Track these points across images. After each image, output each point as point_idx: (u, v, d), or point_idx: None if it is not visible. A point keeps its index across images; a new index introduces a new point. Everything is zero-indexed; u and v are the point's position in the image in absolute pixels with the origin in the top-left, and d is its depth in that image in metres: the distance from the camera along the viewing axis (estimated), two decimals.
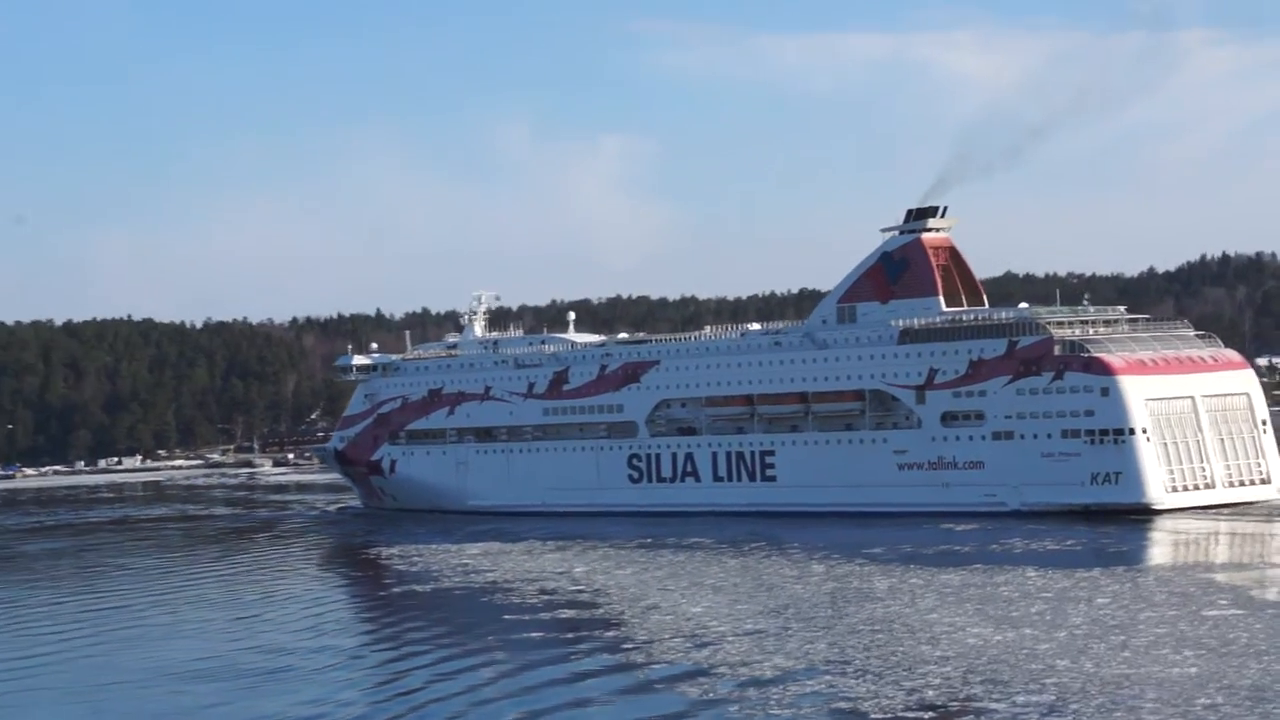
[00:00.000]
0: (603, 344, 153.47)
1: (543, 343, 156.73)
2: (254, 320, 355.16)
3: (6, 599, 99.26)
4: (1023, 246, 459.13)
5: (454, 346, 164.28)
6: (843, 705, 53.03)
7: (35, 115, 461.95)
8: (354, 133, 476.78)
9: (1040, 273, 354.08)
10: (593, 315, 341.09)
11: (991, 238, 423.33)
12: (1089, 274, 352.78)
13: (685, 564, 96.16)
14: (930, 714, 51.29)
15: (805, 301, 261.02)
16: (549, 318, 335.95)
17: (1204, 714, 49.03)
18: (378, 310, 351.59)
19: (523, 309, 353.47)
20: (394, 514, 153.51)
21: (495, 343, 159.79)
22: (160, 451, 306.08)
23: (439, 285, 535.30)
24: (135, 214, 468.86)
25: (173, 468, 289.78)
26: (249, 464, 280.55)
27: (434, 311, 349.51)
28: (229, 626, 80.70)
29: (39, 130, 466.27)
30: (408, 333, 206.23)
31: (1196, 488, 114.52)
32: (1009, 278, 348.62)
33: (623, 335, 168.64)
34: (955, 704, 52.46)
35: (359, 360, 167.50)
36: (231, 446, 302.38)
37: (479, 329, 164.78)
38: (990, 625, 66.70)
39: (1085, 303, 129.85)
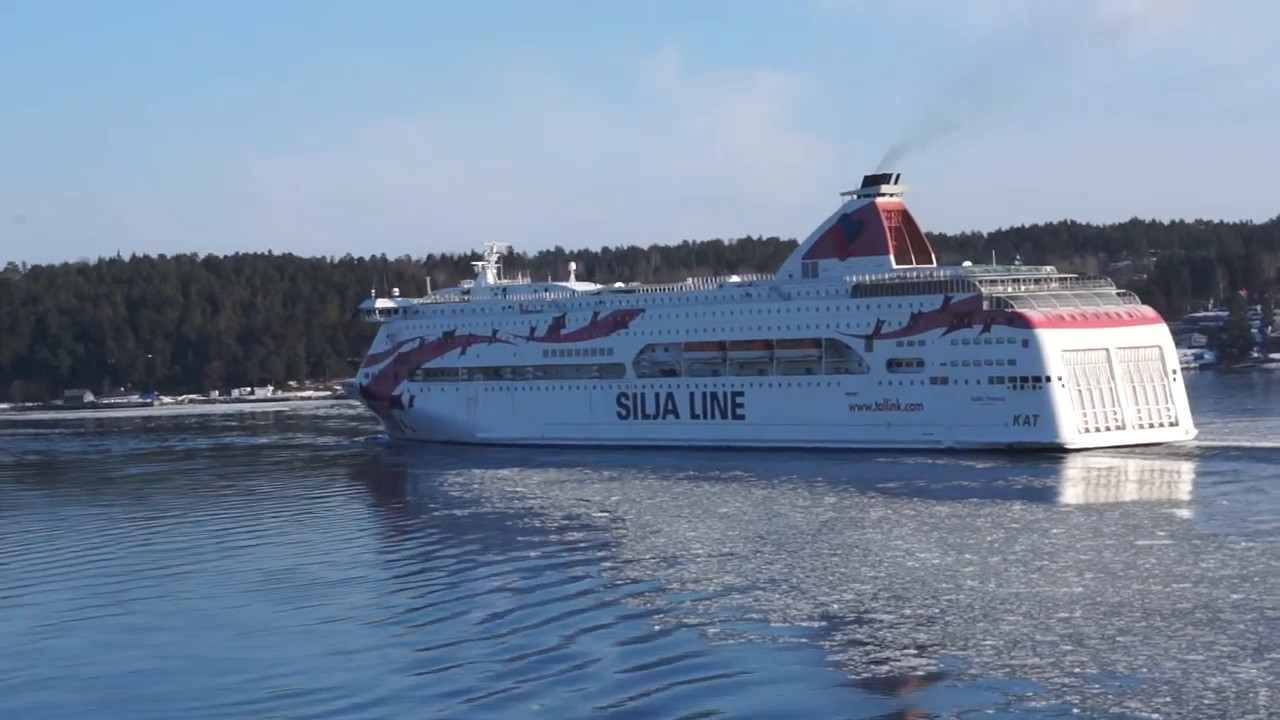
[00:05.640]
0: (597, 293, 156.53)
1: (545, 290, 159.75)
2: (391, 256, 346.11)
3: (108, 515, 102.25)
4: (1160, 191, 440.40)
5: (467, 292, 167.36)
6: (754, 616, 54.85)
7: (196, 43, 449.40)
8: (500, 60, 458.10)
9: (1168, 219, 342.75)
10: (720, 256, 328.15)
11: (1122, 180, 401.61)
12: (1217, 220, 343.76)
13: (718, 494, 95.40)
14: (821, 623, 53.14)
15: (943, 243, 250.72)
16: (678, 259, 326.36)
17: (1052, 624, 50.70)
18: (510, 248, 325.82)
19: (653, 248, 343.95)
20: (478, 446, 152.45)
21: (504, 290, 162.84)
22: (291, 383, 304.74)
23: (578, 223, 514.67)
24: (287, 146, 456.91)
25: (301, 399, 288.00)
26: None
27: (568, 250, 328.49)
28: (287, 546, 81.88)
29: (198, 59, 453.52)
30: (428, 278, 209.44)
31: (1108, 429, 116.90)
32: (1134, 224, 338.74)
33: (618, 285, 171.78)
34: (851, 614, 54.05)
35: (382, 304, 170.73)
36: None
37: (490, 276, 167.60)
38: (938, 551, 67.11)
39: (1017, 262, 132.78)
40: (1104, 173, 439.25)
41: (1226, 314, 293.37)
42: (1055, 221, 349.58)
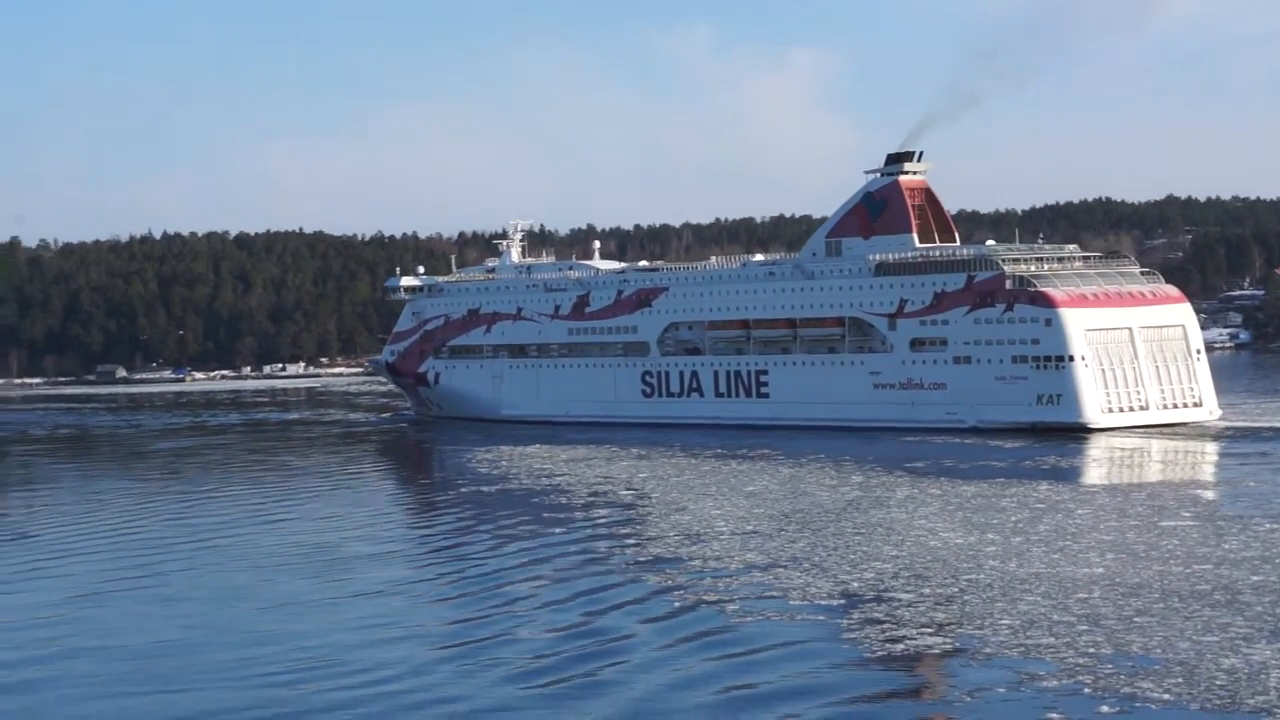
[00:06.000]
0: (621, 271, 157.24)
1: (570, 268, 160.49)
2: (423, 234, 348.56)
3: (140, 489, 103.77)
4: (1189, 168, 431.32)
5: (492, 270, 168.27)
6: (774, 594, 55.39)
7: (217, 28, 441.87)
8: (532, 40, 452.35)
9: (1203, 196, 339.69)
10: (752, 234, 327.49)
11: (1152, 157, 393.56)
12: (1254, 197, 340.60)
13: (745, 472, 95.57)
14: (840, 601, 53.73)
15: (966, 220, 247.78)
16: (710, 237, 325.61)
17: (1070, 604, 51.26)
18: (542, 226, 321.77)
19: (685, 226, 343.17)
20: (503, 424, 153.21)
21: (528, 268, 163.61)
22: (322, 359, 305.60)
23: (610, 200, 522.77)
24: (316, 126, 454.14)
25: (333, 375, 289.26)
26: None
27: (599, 228, 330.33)
28: (318, 520, 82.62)
29: (222, 40, 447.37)
30: (453, 256, 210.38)
31: (1131, 409, 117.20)
32: (1170, 200, 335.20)
33: (642, 263, 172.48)
34: (870, 593, 54.48)
35: (407, 282, 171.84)
36: None
37: (515, 254, 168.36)
38: (962, 531, 67.31)
39: (1041, 240, 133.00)
40: (1138, 149, 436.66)
41: (1262, 292, 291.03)
42: (1090, 199, 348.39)
